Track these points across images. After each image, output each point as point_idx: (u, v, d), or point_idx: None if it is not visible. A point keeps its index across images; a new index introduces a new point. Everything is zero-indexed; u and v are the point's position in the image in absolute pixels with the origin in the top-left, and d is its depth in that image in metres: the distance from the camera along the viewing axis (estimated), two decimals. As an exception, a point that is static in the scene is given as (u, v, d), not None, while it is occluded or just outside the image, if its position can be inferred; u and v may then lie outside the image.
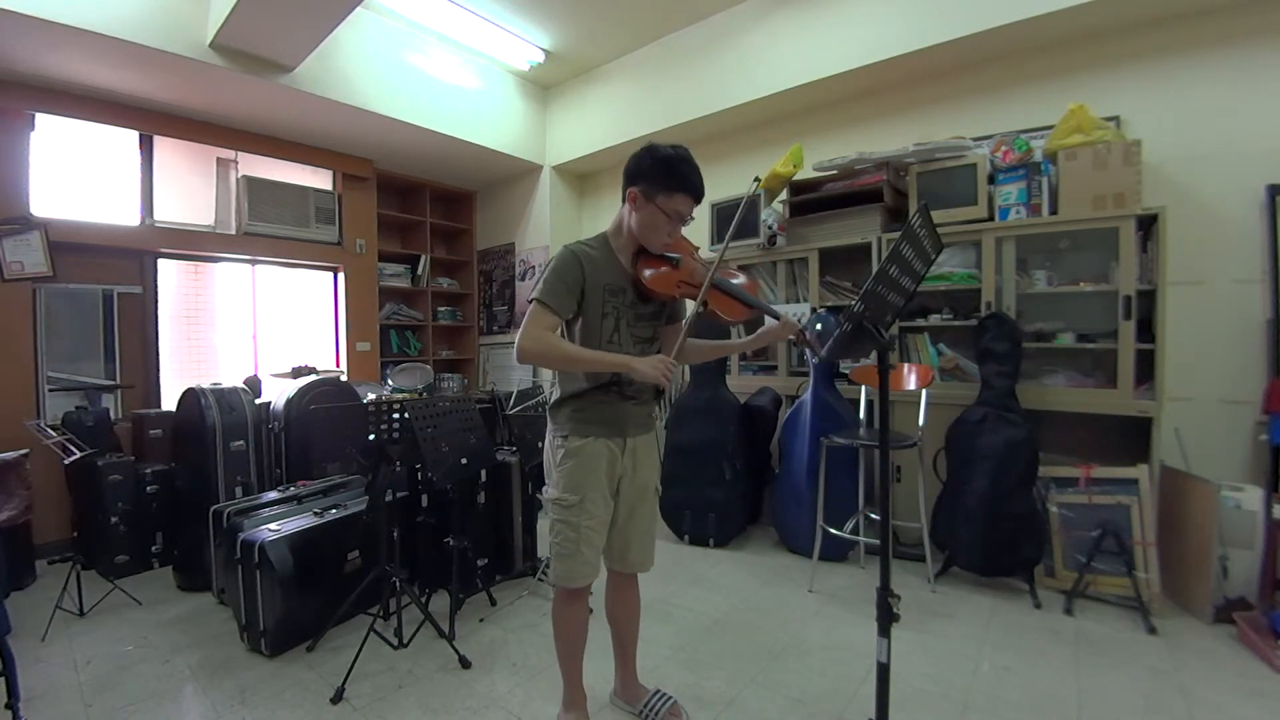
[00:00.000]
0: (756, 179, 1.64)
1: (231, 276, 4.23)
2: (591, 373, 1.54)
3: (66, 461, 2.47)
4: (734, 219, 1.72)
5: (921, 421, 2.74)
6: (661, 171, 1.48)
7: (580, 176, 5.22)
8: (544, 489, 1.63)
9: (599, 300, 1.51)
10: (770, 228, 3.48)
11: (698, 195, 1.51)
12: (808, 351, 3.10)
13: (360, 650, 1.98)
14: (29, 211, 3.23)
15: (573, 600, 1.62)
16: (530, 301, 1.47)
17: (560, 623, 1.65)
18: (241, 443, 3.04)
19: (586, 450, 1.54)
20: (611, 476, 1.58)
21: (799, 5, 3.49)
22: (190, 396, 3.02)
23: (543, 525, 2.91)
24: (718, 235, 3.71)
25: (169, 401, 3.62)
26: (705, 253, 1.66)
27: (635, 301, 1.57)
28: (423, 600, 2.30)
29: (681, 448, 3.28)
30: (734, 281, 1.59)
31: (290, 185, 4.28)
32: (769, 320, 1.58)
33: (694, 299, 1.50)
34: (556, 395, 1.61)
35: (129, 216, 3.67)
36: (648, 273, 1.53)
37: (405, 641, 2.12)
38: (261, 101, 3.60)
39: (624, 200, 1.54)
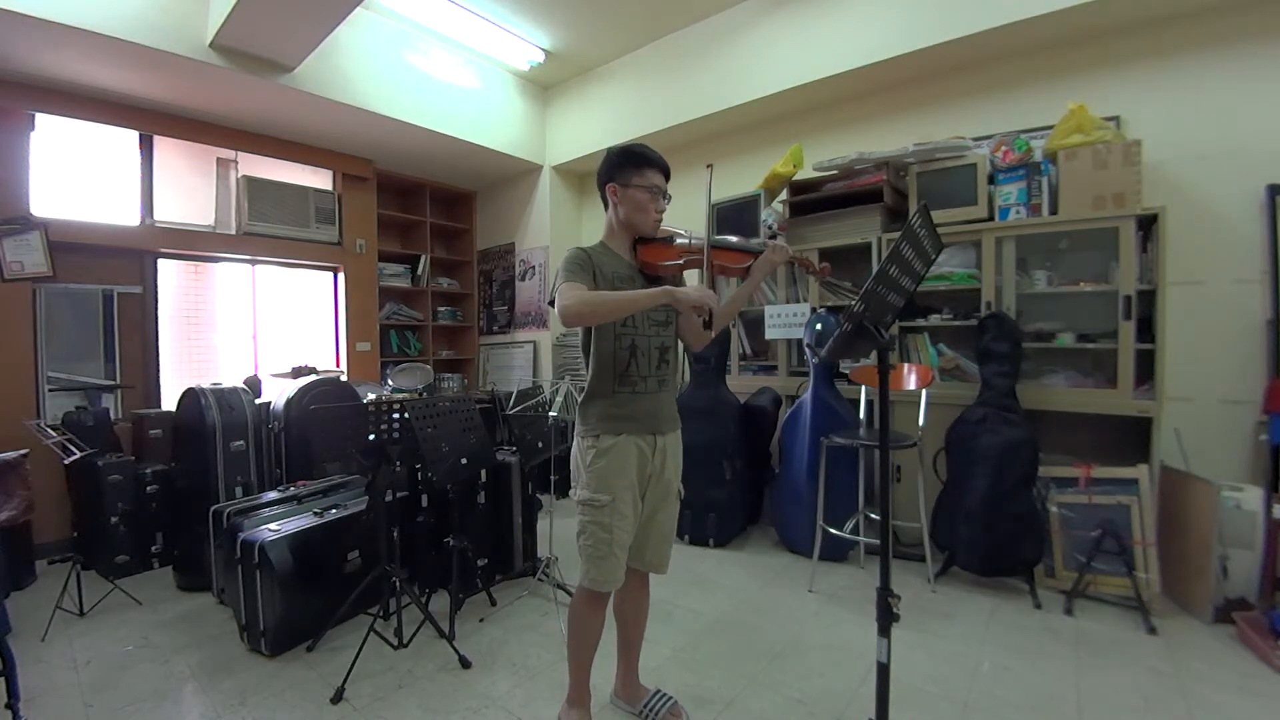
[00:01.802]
0: (709, 165, 1.77)
1: (231, 276, 4.22)
2: (610, 365, 1.57)
3: (66, 461, 2.47)
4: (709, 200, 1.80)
5: (921, 421, 2.75)
6: (627, 158, 1.62)
7: (580, 176, 5.22)
8: (572, 490, 1.63)
9: (608, 289, 1.55)
10: (770, 228, 3.48)
11: (664, 167, 1.64)
12: (808, 351, 3.10)
13: (360, 650, 1.98)
14: (29, 211, 3.23)
15: (597, 603, 1.62)
16: (556, 292, 1.50)
17: (580, 624, 1.65)
18: (241, 443, 3.04)
19: (619, 449, 1.55)
20: (642, 476, 1.59)
21: (799, 5, 3.49)
22: (190, 396, 3.02)
23: (543, 525, 2.92)
24: (717, 233, 3.71)
25: (169, 401, 3.62)
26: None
27: (644, 286, 1.60)
28: (423, 600, 2.30)
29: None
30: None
31: (290, 185, 4.28)
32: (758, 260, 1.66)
33: (699, 266, 1.60)
34: (585, 394, 1.63)
35: (129, 216, 3.67)
36: (652, 254, 1.66)
37: (405, 641, 2.11)
38: (261, 101, 3.60)
39: (605, 203, 1.66)
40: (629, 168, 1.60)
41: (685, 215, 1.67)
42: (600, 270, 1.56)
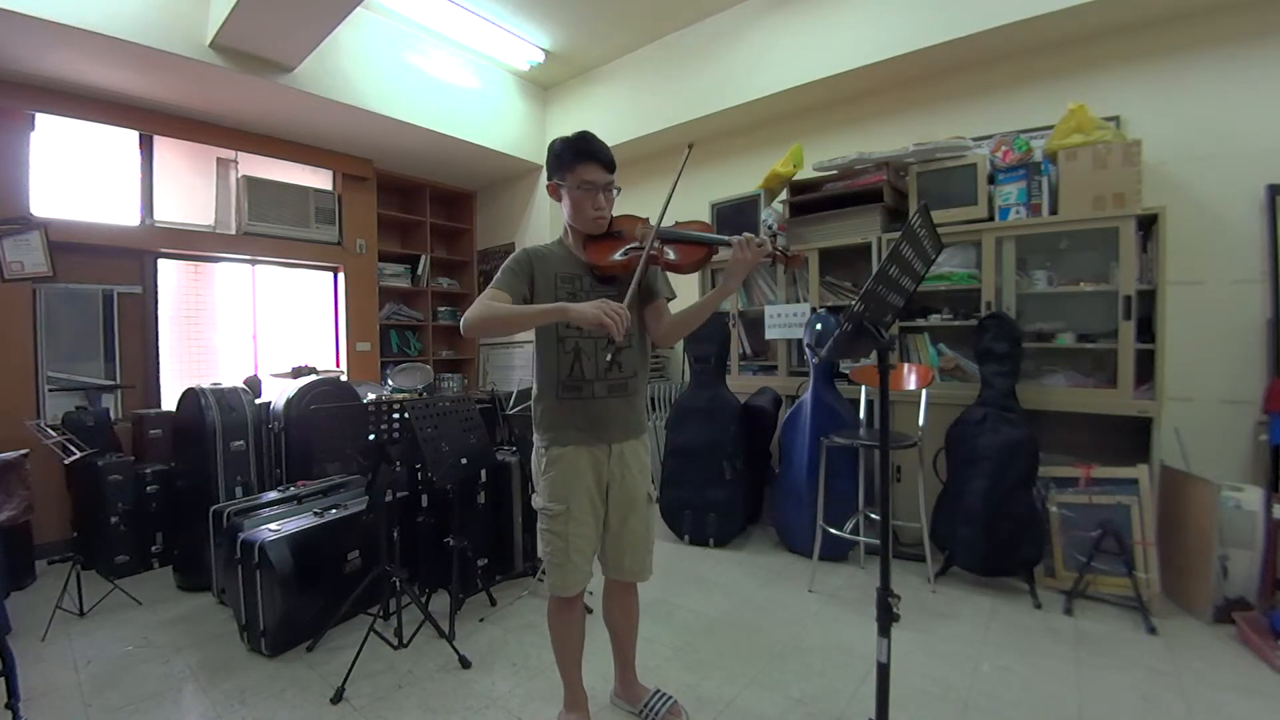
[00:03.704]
0: (690, 145, 1.61)
1: (231, 276, 4.22)
2: (554, 369, 1.53)
3: (66, 461, 2.47)
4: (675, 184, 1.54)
5: (921, 421, 2.74)
6: (560, 154, 1.54)
7: (580, 176, 5.22)
8: (532, 496, 1.62)
9: (550, 288, 1.52)
10: (770, 228, 3.48)
11: (600, 159, 1.52)
12: (808, 351, 3.10)
13: (360, 650, 1.98)
14: (29, 211, 3.23)
15: (567, 607, 1.62)
16: None
17: (556, 629, 1.66)
18: (241, 443, 3.04)
19: (567, 459, 1.52)
20: (599, 482, 1.56)
21: (799, 5, 3.49)
22: (190, 396, 3.02)
23: (543, 525, 2.92)
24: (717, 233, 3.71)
25: (169, 401, 3.62)
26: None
27: (595, 285, 1.55)
28: (423, 600, 2.30)
29: (681, 448, 3.28)
30: (680, 229, 1.56)
31: (290, 185, 4.28)
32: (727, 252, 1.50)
33: (646, 263, 1.47)
34: (533, 399, 1.60)
35: (129, 216, 3.67)
36: (596, 253, 1.57)
37: (405, 641, 2.12)
38: (261, 101, 3.60)
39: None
40: (564, 163, 1.52)
41: (690, 213, 1.58)
42: (542, 271, 1.52)
